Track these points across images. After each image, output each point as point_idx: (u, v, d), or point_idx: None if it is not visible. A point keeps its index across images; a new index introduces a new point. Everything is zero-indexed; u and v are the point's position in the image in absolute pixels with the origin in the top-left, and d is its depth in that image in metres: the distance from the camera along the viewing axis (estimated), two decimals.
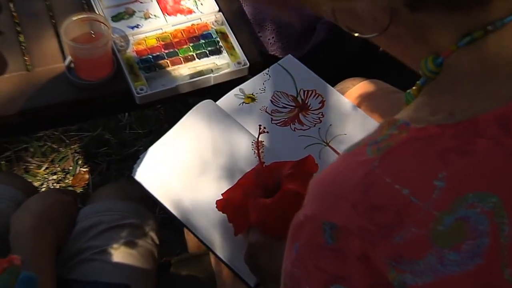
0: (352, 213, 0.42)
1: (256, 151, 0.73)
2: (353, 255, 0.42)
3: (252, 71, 0.99)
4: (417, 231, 0.40)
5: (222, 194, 0.76)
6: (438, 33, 0.45)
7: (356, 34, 0.47)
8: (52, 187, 1.33)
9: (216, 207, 0.75)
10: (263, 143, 0.74)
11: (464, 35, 0.44)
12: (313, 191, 0.45)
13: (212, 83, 0.98)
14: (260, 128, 0.74)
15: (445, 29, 0.44)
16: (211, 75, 0.97)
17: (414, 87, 0.50)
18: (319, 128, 0.88)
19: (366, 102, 0.92)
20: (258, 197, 0.73)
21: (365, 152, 0.43)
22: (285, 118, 0.89)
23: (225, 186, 0.78)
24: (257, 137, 0.74)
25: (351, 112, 0.89)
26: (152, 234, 0.89)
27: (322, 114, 0.89)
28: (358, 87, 0.94)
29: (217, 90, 0.98)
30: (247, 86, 0.92)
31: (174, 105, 1.38)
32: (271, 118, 0.89)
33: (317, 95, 0.91)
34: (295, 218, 0.45)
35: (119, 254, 0.83)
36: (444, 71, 0.45)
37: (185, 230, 0.90)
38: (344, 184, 0.43)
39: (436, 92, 0.46)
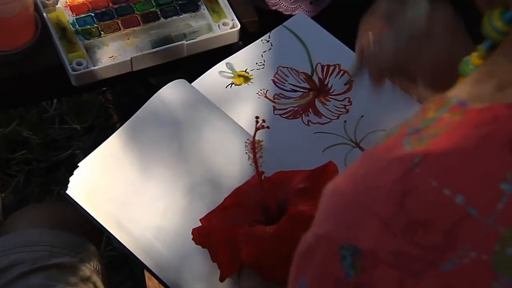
0: (383, 232, 0.42)
1: (252, 155, 0.74)
2: None
3: (245, 36, 1.00)
4: (476, 256, 0.41)
5: (200, 220, 0.77)
6: None
7: None
8: None
9: (192, 238, 0.75)
10: (261, 143, 0.75)
11: None
12: (327, 203, 0.46)
13: (185, 54, 0.98)
14: (257, 122, 0.74)
15: None
16: (184, 42, 0.98)
17: (474, 53, 0.51)
18: (345, 121, 0.88)
19: None
20: (254, 223, 0.74)
21: (402, 144, 0.44)
22: (295, 107, 0.90)
23: (204, 208, 0.78)
24: (253, 134, 0.74)
25: (393, 97, 0.90)
26: (96, 279, 0.89)
27: (349, 101, 0.90)
28: None
29: (193, 65, 0.99)
30: (238, 59, 0.92)
31: (128, 88, 1.39)
32: (274, 107, 0.89)
33: (341, 72, 0.92)
34: (302, 242, 0.46)
35: None
36: None
37: (146, 274, 0.90)
38: (371, 191, 0.44)
39: (505, 59, 0.47)
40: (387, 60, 0.73)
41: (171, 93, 0.87)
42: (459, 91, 0.46)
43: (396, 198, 0.42)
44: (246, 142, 0.73)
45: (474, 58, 0.51)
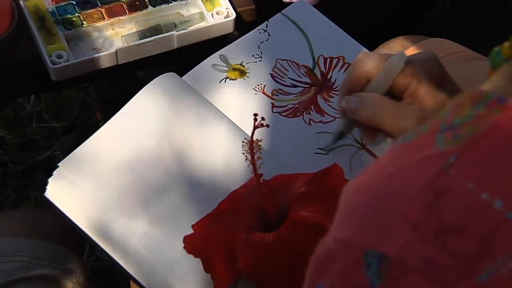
0: (413, 237, 0.43)
1: (250, 156, 0.74)
2: None
3: (241, 26, 1.01)
4: None
5: (192, 226, 0.78)
6: None
7: None
8: None
9: (184, 247, 0.76)
10: (259, 144, 0.75)
11: None
12: (348, 203, 0.46)
13: (175, 46, 0.99)
14: (255, 119, 0.74)
15: None
16: (174, 32, 0.99)
17: (506, 43, 0.52)
18: None
19: None
20: (251, 230, 0.75)
21: (434, 142, 0.45)
22: (295, 104, 0.91)
23: (197, 213, 0.79)
24: (251, 134, 0.75)
25: None
26: None
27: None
28: (413, 51, 0.96)
29: (184, 58, 1.00)
30: (233, 51, 0.93)
31: (113, 83, 1.39)
32: (272, 104, 0.90)
33: (346, 65, 0.93)
34: (320, 246, 0.46)
35: None
36: None
37: (132, 284, 0.90)
38: (400, 193, 0.44)
39: None
40: (365, 119, 0.71)
41: (160, 88, 0.88)
42: (494, 85, 0.47)
43: (428, 200, 0.43)
44: (243, 142, 0.73)
45: (505, 49, 0.51)
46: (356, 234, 0.44)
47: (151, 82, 0.88)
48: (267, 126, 0.73)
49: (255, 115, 0.73)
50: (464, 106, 0.46)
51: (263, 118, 0.73)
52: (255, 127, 0.73)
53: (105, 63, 0.98)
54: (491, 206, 0.42)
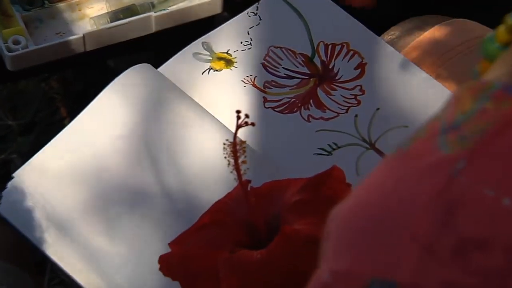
0: (426, 259, 0.43)
1: (233, 160, 0.74)
2: None
3: (230, 7, 1.02)
4: None
5: (169, 244, 0.78)
6: None
7: None
8: None
9: (160, 268, 0.76)
10: (244, 145, 0.75)
11: None
12: (342, 232, 0.46)
13: (153, 30, 1.00)
14: (238, 117, 0.73)
15: None
16: (152, 13, 0.99)
17: (500, 27, 0.52)
18: (356, 116, 0.90)
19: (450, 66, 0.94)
20: (238, 248, 0.75)
21: (436, 147, 0.45)
22: (291, 98, 0.91)
23: (175, 229, 0.79)
24: (234, 133, 0.74)
25: (418, 84, 0.92)
26: None
27: (361, 90, 0.92)
28: (431, 35, 0.97)
29: (162, 45, 1.00)
30: (217, 37, 0.94)
31: (80, 74, 1.39)
32: (264, 98, 0.91)
33: (350, 52, 0.94)
34: (313, 281, 0.46)
35: None
36: None
37: None
38: (404, 211, 0.44)
39: None
40: None
41: (132, 80, 0.88)
42: (498, 73, 0.47)
43: (438, 215, 0.43)
44: (224, 144, 0.73)
45: (501, 34, 0.52)
46: (357, 262, 0.44)
47: (121, 75, 0.88)
48: (253, 124, 0.73)
49: (238, 112, 0.73)
50: (464, 100, 0.46)
51: (247, 116, 0.73)
52: (237, 127, 0.73)
53: (71, 50, 0.98)
54: None
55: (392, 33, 0.98)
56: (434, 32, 0.96)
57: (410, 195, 0.44)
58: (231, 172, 0.75)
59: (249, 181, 0.76)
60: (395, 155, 0.47)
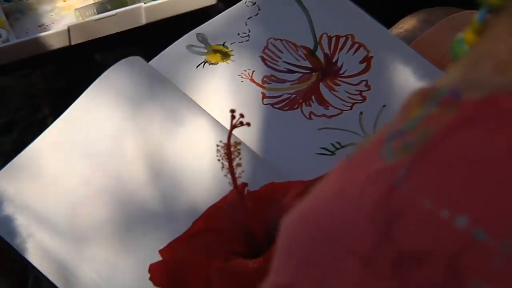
0: (365, 274, 0.43)
1: (227, 162, 0.74)
2: None
3: None
4: None
5: (160, 252, 0.78)
6: None
7: None
8: None
9: (150, 277, 0.76)
10: (239, 146, 0.75)
11: None
12: (285, 241, 0.46)
13: (143, 22, 1.01)
14: (233, 117, 0.74)
15: None
16: (142, 4, 1.00)
17: (467, 28, 0.52)
18: (361, 113, 0.90)
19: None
20: (232, 256, 0.75)
21: (380, 155, 0.45)
22: (292, 94, 0.91)
23: (166, 235, 0.79)
24: (228, 133, 0.75)
25: (428, 79, 0.91)
26: None
27: (366, 85, 0.92)
28: (441, 28, 0.97)
29: (153, 38, 1.00)
30: (213, 29, 0.93)
31: (64, 69, 1.39)
32: (263, 94, 0.91)
33: (355, 45, 0.94)
34: None
35: None
36: None
37: None
38: (345, 221, 0.44)
39: (508, 31, 0.47)
40: None
41: (121, 75, 0.88)
42: (450, 78, 0.47)
43: (379, 227, 0.43)
44: (218, 146, 0.74)
45: (468, 34, 0.51)
46: (296, 278, 0.45)
47: (110, 69, 0.88)
48: (248, 124, 0.73)
49: (232, 111, 0.73)
50: (413, 106, 0.46)
51: (242, 115, 0.73)
52: (232, 127, 0.73)
53: (55, 43, 0.98)
54: (454, 226, 0.42)
55: (400, 26, 0.98)
56: (444, 25, 0.97)
57: (352, 205, 0.44)
58: (225, 175, 0.75)
59: (245, 184, 0.76)
60: (343, 162, 0.47)
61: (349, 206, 0.45)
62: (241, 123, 0.73)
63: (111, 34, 1.00)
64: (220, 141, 0.74)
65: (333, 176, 0.47)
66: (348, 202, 0.45)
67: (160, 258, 0.77)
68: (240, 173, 0.74)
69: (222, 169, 0.74)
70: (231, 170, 0.74)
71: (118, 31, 1.00)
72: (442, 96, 0.46)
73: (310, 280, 0.44)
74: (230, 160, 0.73)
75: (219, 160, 0.74)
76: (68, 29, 0.97)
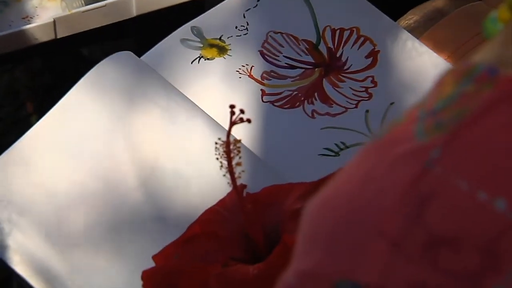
0: (395, 258, 0.43)
1: (226, 162, 0.74)
2: None
3: None
4: None
5: (153, 257, 0.78)
6: None
7: None
8: None
9: (143, 285, 0.76)
10: (239, 145, 0.75)
11: None
12: (310, 226, 0.47)
13: (134, 14, 1.00)
14: (232, 113, 0.74)
15: None
16: None
17: (502, 5, 0.52)
18: (367, 111, 0.90)
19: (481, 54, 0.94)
20: (231, 261, 0.75)
21: (412, 134, 0.45)
22: (293, 91, 0.91)
23: (160, 240, 0.79)
24: (227, 131, 0.75)
25: (439, 74, 0.92)
26: None
27: (373, 81, 0.92)
28: (451, 21, 0.97)
29: (144, 31, 1.00)
30: (209, 21, 0.93)
31: (49, 64, 1.39)
32: (263, 91, 0.91)
33: (361, 38, 0.94)
34: (279, 284, 0.47)
35: None
36: None
37: None
38: (373, 204, 0.45)
39: None
40: None
41: (111, 71, 0.88)
42: (485, 55, 0.47)
43: (410, 209, 0.43)
44: (216, 144, 0.73)
45: (502, 12, 0.52)
46: (323, 262, 0.45)
47: (98, 65, 0.88)
48: (249, 121, 0.73)
49: (232, 106, 0.73)
50: (447, 84, 0.46)
51: (242, 111, 0.73)
52: (231, 124, 0.73)
53: (39, 36, 0.98)
54: (492, 208, 0.43)
55: (409, 18, 0.98)
56: (456, 17, 0.97)
57: (381, 187, 0.45)
58: (224, 175, 0.75)
59: (244, 186, 0.76)
60: (371, 143, 0.48)
61: (377, 188, 0.45)
62: (241, 120, 0.73)
63: (99, 27, 0.99)
64: (219, 139, 0.74)
65: (359, 159, 0.47)
66: (377, 182, 0.45)
67: (153, 264, 0.77)
68: (239, 173, 0.74)
69: (221, 169, 0.74)
70: (231, 170, 0.74)
71: (107, 23, 0.99)
72: (478, 73, 0.46)
73: (337, 265, 0.45)
74: (229, 159, 0.73)
75: (217, 159, 0.74)
76: (54, 22, 0.97)
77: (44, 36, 0.98)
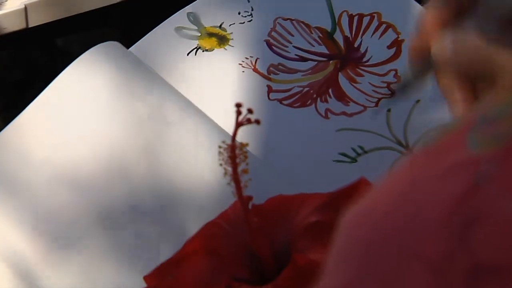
0: (434, 284, 0.44)
1: (231, 168, 0.74)
2: None
3: None
4: None
5: (145, 278, 0.78)
6: None
7: None
8: None
9: None
10: (245, 149, 0.75)
11: None
12: (344, 243, 0.48)
13: None
14: (238, 112, 0.74)
15: None
16: None
17: None
18: (389, 111, 0.91)
19: None
20: (235, 283, 0.75)
21: (465, 143, 0.46)
22: (304, 87, 0.92)
23: (153, 257, 0.80)
24: (232, 133, 0.75)
25: None
26: None
27: (395, 75, 0.93)
28: None
29: (130, 20, 1.01)
30: (208, 7, 0.94)
31: (20, 57, 1.39)
32: (269, 86, 0.92)
33: (383, 25, 0.95)
34: None
35: None
36: None
37: None
38: (414, 222, 0.45)
39: None
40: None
41: (95, 64, 0.89)
42: None
43: (455, 230, 0.44)
44: (220, 147, 0.74)
45: None
46: (353, 283, 0.46)
47: (81, 57, 0.89)
48: (257, 122, 0.73)
49: (238, 105, 0.73)
50: (503, 88, 0.48)
51: (250, 111, 0.73)
52: (238, 125, 0.73)
53: (8, 25, 0.99)
54: None
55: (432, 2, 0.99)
56: None
57: (424, 202, 0.46)
58: (228, 184, 0.75)
59: (251, 198, 0.76)
60: (419, 152, 0.49)
61: (421, 202, 0.46)
62: (249, 121, 0.73)
63: (78, 14, 1.00)
64: (223, 142, 0.74)
65: (404, 169, 0.48)
66: (420, 197, 0.46)
67: (144, 285, 0.78)
68: (246, 182, 0.74)
69: (224, 176, 0.74)
70: (236, 178, 0.74)
71: (88, 10, 1.00)
72: None
73: (365, 285, 0.46)
74: (234, 165, 0.73)
75: (221, 165, 0.74)
76: (25, 8, 0.98)
77: (13, 25, 0.99)
